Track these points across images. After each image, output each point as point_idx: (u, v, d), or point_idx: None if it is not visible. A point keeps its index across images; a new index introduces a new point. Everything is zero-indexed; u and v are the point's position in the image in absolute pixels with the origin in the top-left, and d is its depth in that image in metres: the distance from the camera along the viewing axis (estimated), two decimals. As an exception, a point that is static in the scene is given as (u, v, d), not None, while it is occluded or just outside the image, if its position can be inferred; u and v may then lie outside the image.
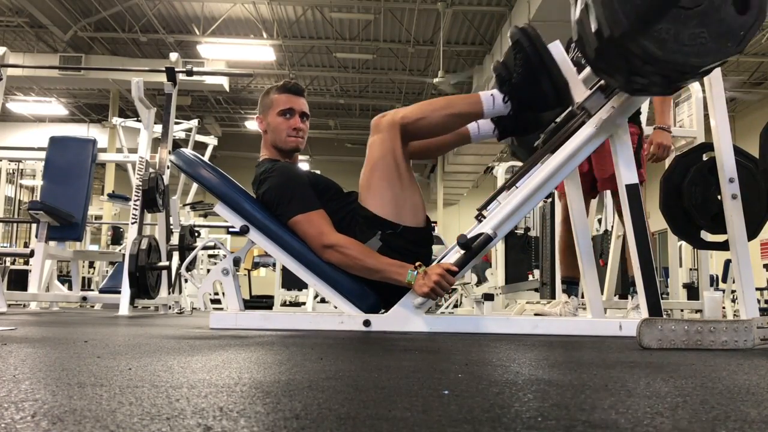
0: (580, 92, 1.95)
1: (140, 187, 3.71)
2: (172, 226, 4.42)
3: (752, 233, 2.13)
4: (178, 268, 4.23)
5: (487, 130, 2.25)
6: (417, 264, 1.93)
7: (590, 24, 1.57)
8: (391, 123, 2.04)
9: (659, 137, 2.84)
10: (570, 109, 2.04)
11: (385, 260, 1.98)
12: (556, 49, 1.94)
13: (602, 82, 1.90)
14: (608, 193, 5.15)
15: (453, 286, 1.94)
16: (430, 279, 1.88)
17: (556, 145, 2.00)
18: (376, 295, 2.03)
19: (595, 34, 1.56)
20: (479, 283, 6.46)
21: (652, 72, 1.58)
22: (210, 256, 8.22)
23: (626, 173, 1.90)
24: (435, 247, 2.41)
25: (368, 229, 2.05)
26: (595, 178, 2.89)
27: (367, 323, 1.96)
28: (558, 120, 2.16)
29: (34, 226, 4.56)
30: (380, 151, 2.05)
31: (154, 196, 3.59)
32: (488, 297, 5.13)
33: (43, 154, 4.50)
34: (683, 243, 4.87)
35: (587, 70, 1.98)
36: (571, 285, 3.00)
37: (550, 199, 4.52)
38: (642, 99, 1.98)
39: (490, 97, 2.03)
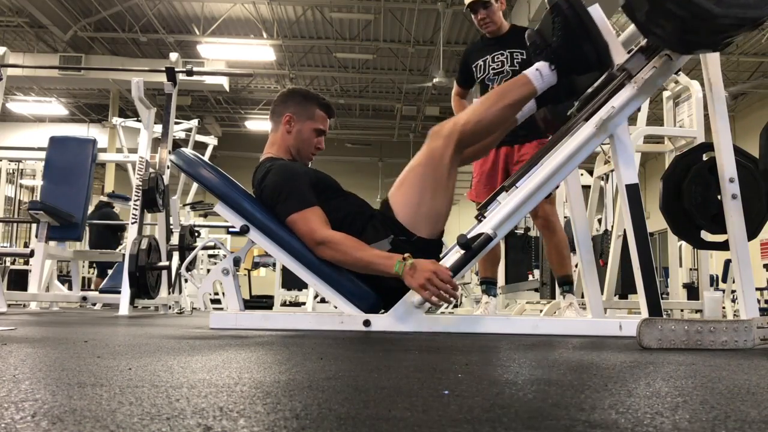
0: (619, 54, 1.93)
1: (140, 187, 3.71)
2: (172, 226, 4.42)
3: (752, 233, 2.13)
4: (178, 268, 4.23)
5: (529, 105, 2.18)
6: (405, 255, 1.89)
7: None
8: (451, 131, 2.03)
9: None
10: (608, 72, 2.01)
11: (373, 252, 1.96)
12: (596, 11, 1.92)
13: (642, 43, 1.88)
14: (608, 192, 5.17)
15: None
16: (422, 276, 1.83)
17: (594, 109, 1.95)
18: (377, 295, 2.03)
19: None
20: None
21: (707, 29, 1.58)
22: (210, 256, 8.22)
23: (626, 173, 1.90)
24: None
25: (382, 229, 2.04)
26: None
27: (367, 323, 1.96)
28: (595, 85, 2.13)
29: (34, 226, 4.56)
30: (426, 158, 2.05)
31: (154, 196, 3.59)
32: (488, 297, 5.11)
33: (43, 154, 4.50)
34: (683, 243, 4.87)
35: (627, 31, 1.96)
36: (567, 285, 3.00)
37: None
38: (647, 95, 1.97)
39: (537, 72, 2.00)
